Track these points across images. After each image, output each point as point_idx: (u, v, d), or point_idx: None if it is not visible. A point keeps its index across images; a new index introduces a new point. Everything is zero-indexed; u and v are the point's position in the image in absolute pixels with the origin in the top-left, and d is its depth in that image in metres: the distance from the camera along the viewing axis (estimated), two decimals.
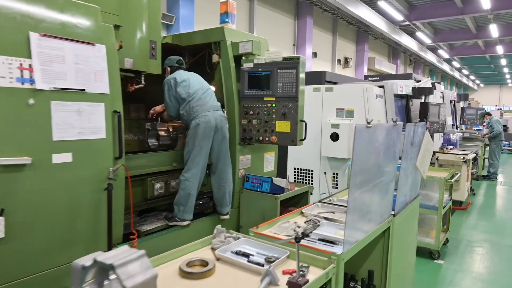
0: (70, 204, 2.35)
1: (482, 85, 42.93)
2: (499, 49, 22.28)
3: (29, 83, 2.12)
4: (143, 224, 3.21)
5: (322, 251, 1.82)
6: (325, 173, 5.24)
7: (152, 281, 1.17)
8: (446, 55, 25.19)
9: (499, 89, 41.84)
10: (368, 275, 2.44)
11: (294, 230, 2.21)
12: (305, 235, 1.49)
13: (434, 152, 6.86)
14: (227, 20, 4.02)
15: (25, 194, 2.13)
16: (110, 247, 2.53)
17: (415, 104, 6.66)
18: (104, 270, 1.21)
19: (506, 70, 31.52)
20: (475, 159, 7.60)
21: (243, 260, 1.76)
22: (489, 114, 10.43)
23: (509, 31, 18.29)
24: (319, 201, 2.87)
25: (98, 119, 2.48)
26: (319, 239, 2.09)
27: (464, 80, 35.54)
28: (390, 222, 2.44)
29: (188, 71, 3.54)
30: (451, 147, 7.64)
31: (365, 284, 2.40)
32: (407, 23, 16.65)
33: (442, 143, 7.40)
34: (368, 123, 1.86)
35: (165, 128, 3.80)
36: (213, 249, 1.93)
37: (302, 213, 2.62)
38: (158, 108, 3.53)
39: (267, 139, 3.57)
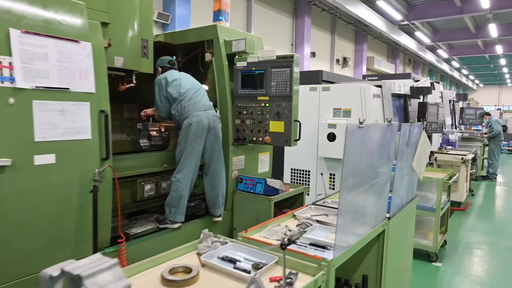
0: (54, 206, 2.27)
1: (481, 85, 42.87)
2: (499, 49, 22.21)
3: (9, 81, 2.04)
4: (132, 226, 3.13)
5: (312, 257, 1.74)
6: (321, 174, 5.16)
7: None
8: (445, 55, 25.12)
9: (498, 89, 41.77)
10: (362, 280, 2.36)
11: (285, 234, 2.13)
12: (291, 241, 1.41)
13: (433, 153, 6.78)
14: (220, 18, 3.95)
15: (5, 197, 2.05)
16: (95, 250, 2.45)
17: (414, 104, 6.58)
18: (75, 279, 1.13)
19: (505, 70, 31.44)
20: (474, 159, 7.52)
21: (229, 267, 1.68)
22: (488, 114, 10.35)
23: (509, 31, 18.23)
24: (313, 203, 2.79)
25: (83, 119, 2.40)
26: (310, 244, 2.01)
27: (464, 80, 35.48)
28: (385, 225, 2.37)
29: (180, 71, 3.47)
30: (450, 147, 7.57)
31: None
32: (406, 22, 16.58)
33: (440, 143, 7.33)
34: (361, 123, 1.78)
35: (157, 129, 3.72)
36: (199, 254, 1.85)
37: (294, 215, 2.54)
38: (149, 111, 3.45)
39: (260, 139, 3.50)
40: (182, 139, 3.00)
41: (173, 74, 3.18)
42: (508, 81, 38.69)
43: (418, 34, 19.15)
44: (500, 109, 22.59)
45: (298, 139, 3.44)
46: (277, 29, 12.38)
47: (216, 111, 3.26)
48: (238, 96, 3.60)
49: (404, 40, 18.74)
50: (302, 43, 13.01)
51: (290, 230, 2.19)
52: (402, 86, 6.24)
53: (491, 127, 9.67)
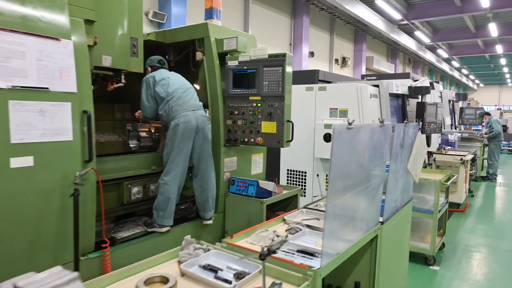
0: (33, 211, 2.18)
1: (481, 85, 42.73)
2: (499, 49, 22.08)
3: None
4: (120, 230, 3.04)
5: (298, 266, 1.64)
6: (317, 175, 5.07)
7: None
8: (445, 55, 25.00)
9: (499, 89, 41.63)
10: (354, 287, 2.27)
11: (273, 240, 2.04)
12: (270, 251, 1.32)
13: (431, 153, 6.68)
14: (212, 16, 3.86)
15: None
16: (76, 256, 2.36)
17: (412, 104, 6.48)
18: None
19: (506, 69, 31.31)
20: (473, 160, 7.42)
21: (210, 276, 1.59)
22: (488, 114, 10.25)
23: (509, 30, 18.11)
24: (304, 207, 2.70)
25: (64, 119, 2.30)
26: (297, 251, 1.92)
27: (464, 80, 35.35)
28: (378, 230, 2.27)
29: (172, 70, 3.38)
30: (449, 147, 7.46)
31: None
32: (405, 22, 16.47)
33: (439, 144, 7.22)
34: (350, 123, 1.68)
35: (147, 129, 3.63)
36: (180, 262, 1.75)
37: (284, 220, 2.45)
38: None
39: (252, 140, 3.40)
40: (169, 140, 2.91)
41: (161, 73, 3.09)
42: (509, 81, 38.55)
43: (417, 33, 19.04)
44: (500, 109, 22.47)
45: (291, 140, 3.34)
46: (275, 28, 12.29)
47: (206, 112, 3.16)
48: (229, 96, 3.51)
49: (404, 39, 18.63)
50: (300, 42, 12.91)
51: (278, 236, 2.10)
52: (400, 86, 6.14)
53: (491, 127, 9.57)
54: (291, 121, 3.30)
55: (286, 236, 2.07)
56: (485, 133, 9.69)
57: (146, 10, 7.74)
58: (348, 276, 2.36)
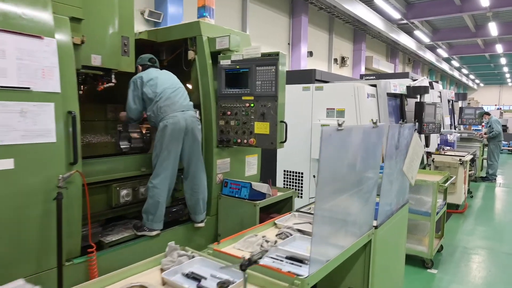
0: (14, 215, 2.11)
1: (482, 85, 42.63)
2: (499, 48, 21.98)
3: None
4: (108, 234, 2.96)
5: (285, 274, 1.57)
6: (314, 176, 4.98)
7: None
8: (445, 54, 24.91)
9: (499, 89, 41.53)
10: None
11: (261, 246, 1.96)
12: (252, 261, 1.24)
13: (430, 153, 6.60)
14: (205, 14, 3.78)
15: None
16: (60, 262, 2.28)
17: (411, 103, 6.40)
18: None
19: (506, 69, 31.21)
20: (472, 160, 7.34)
21: (192, 285, 1.51)
22: (488, 113, 10.16)
23: (509, 30, 18.02)
24: (297, 210, 2.62)
25: (47, 120, 2.23)
26: (286, 257, 1.84)
27: (464, 79, 35.25)
28: (372, 235, 2.20)
29: (162, 69, 3.31)
30: (448, 148, 7.38)
31: None
32: (404, 21, 16.39)
33: (438, 144, 7.14)
34: (339, 125, 1.61)
35: (138, 130, 3.56)
36: (162, 270, 1.68)
37: (275, 224, 2.37)
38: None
39: (245, 141, 3.32)
40: (158, 142, 2.83)
41: (149, 73, 3.01)
42: (509, 80, 38.45)
43: (417, 33, 18.95)
44: (500, 108, 22.38)
45: (285, 141, 3.27)
46: (273, 28, 12.20)
47: (196, 112, 3.07)
48: (222, 96, 3.43)
49: (403, 39, 18.54)
50: (299, 42, 12.82)
51: (267, 241, 2.02)
52: (398, 86, 6.06)
53: (490, 127, 9.48)
54: (284, 122, 3.23)
55: (275, 242, 1.99)
56: (485, 133, 9.60)
57: (142, 9, 7.66)
58: (341, 282, 2.29)
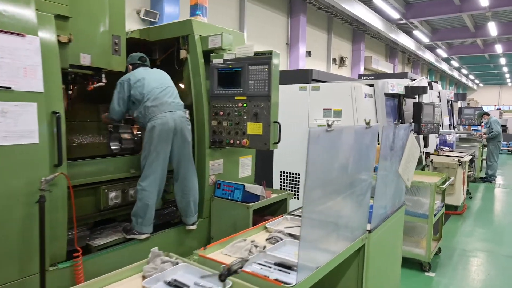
0: None
1: (481, 85, 42.56)
2: (498, 48, 21.93)
3: None
4: (97, 237, 2.89)
5: (271, 282, 1.49)
6: None
7: None
8: (444, 54, 24.85)
9: (498, 89, 41.47)
10: None
11: (250, 251, 1.89)
12: (231, 271, 1.17)
13: (429, 154, 6.53)
14: (198, 12, 3.71)
15: None
16: (43, 267, 2.20)
17: (410, 104, 6.33)
18: None
19: (505, 69, 31.15)
20: (471, 161, 7.26)
21: None
22: (487, 114, 10.08)
23: (508, 30, 17.96)
24: (288, 213, 2.55)
25: (29, 121, 2.15)
26: (275, 264, 1.76)
27: (464, 79, 35.19)
28: (365, 239, 2.12)
29: (153, 68, 3.24)
30: (447, 148, 7.31)
31: None
32: (404, 21, 16.33)
33: (437, 145, 7.07)
34: (329, 125, 1.53)
35: (129, 131, 3.48)
36: (144, 277, 1.60)
37: (266, 228, 2.30)
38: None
39: (238, 142, 3.25)
40: (146, 143, 2.76)
41: (137, 74, 2.94)
42: (508, 80, 38.39)
43: (416, 33, 18.89)
44: (500, 109, 22.29)
45: (278, 142, 3.19)
46: (271, 28, 12.14)
47: (185, 112, 3.00)
48: (214, 95, 3.36)
49: (403, 39, 18.48)
50: (297, 42, 12.76)
51: (256, 246, 1.95)
52: (396, 86, 5.99)
53: (490, 127, 9.40)
54: (278, 122, 3.15)
55: (264, 247, 1.92)
56: (484, 134, 9.53)
57: (137, 9, 7.59)
58: (334, 287, 2.21)
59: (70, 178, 2.42)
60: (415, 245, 4.06)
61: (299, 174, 5.30)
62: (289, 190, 5.19)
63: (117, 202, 2.92)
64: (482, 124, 10.41)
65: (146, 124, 2.78)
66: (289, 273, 1.68)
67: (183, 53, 3.43)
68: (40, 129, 2.20)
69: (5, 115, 2.04)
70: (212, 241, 3.49)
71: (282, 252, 1.90)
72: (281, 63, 13.02)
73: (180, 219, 3.27)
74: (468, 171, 6.90)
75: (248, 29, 10.78)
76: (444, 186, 4.06)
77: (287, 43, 12.95)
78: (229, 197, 3.32)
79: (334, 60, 16.04)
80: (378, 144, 2.21)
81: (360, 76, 9.67)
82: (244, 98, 3.20)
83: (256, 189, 3.32)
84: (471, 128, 12.09)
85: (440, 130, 7.07)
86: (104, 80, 3.16)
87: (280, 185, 5.37)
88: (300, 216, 2.52)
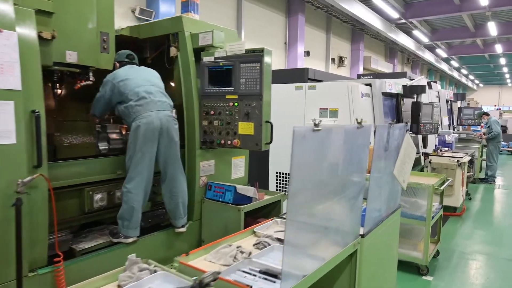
0: None
1: (481, 85, 42.47)
2: (498, 48, 21.82)
3: None
4: (82, 241, 2.79)
5: None
6: None
7: None
8: (444, 54, 24.76)
9: (498, 89, 41.37)
10: None
11: (235, 257, 1.79)
12: (202, 285, 1.07)
13: (427, 155, 6.43)
14: (188, 9, 3.61)
15: None
16: (19, 274, 2.10)
17: (408, 103, 6.23)
18: None
19: (505, 69, 31.05)
20: (471, 161, 7.16)
21: None
22: (486, 114, 9.97)
23: (508, 29, 17.87)
24: (278, 217, 2.45)
25: (6, 120, 2.06)
26: (260, 271, 1.67)
27: (464, 80, 35.09)
28: (358, 244, 2.02)
29: (142, 66, 3.14)
30: (446, 149, 7.21)
31: None
32: (403, 21, 16.24)
33: (436, 145, 6.97)
34: (316, 124, 1.43)
35: (117, 131, 3.38)
36: (119, 286, 1.50)
37: (254, 232, 2.20)
38: None
39: (229, 142, 3.15)
40: (131, 144, 2.66)
41: (122, 73, 2.84)
42: (508, 81, 38.29)
43: (416, 32, 18.80)
44: (500, 109, 22.18)
45: (270, 142, 3.09)
46: (269, 27, 12.04)
47: (172, 111, 2.89)
48: (205, 94, 3.26)
49: (402, 39, 18.39)
50: (295, 41, 12.66)
51: (242, 252, 1.85)
52: (394, 85, 5.89)
53: (489, 127, 9.30)
54: (270, 122, 3.05)
55: (250, 253, 1.82)
56: (484, 134, 9.43)
57: (133, 7, 7.49)
58: None
59: (52, 180, 2.33)
60: (413, 248, 3.96)
61: None
62: (285, 191, 5.08)
63: (103, 205, 2.83)
64: (482, 124, 10.31)
65: (131, 124, 2.68)
66: (274, 281, 1.59)
67: (173, 51, 3.34)
68: (18, 128, 2.11)
69: None
70: (203, 244, 3.39)
71: (269, 259, 1.80)
72: (279, 62, 12.92)
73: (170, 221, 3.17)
74: (468, 172, 6.80)
75: (245, 29, 10.69)
76: (442, 188, 3.96)
77: (285, 43, 12.85)
78: (220, 199, 3.22)
79: (333, 60, 15.95)
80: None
81: (358, 76, 9.58)
82: (236, 97, 3.11)
83: (248, 190, 3.22)
84: (471, 129, 11.99)
85: (439, 130, 6.98)
86: (92, 78, 3.08)
87: (276, 186, 5.27)
88: None
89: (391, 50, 21.51)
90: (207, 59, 3.22)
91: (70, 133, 3.79)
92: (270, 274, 1.63)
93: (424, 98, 6.33)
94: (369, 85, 5.51)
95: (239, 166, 3.74)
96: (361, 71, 17.18)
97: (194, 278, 1.11)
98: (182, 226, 3.07)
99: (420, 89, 6.10)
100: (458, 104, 11.96)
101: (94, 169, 2.77)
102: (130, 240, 2.75)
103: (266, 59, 2.98)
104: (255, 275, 1.64)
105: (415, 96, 6.04)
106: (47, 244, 2.35)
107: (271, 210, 3.53)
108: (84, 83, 3.15)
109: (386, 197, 2.47)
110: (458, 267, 4.18)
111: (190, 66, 3.27)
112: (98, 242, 2.77)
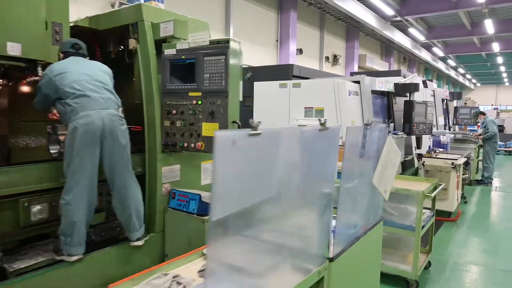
0: None
1: (478, 84, 42.24)
2: (495, 47, 21.51)
3: None
4: (19, 259, 2.44)
5: None
6: None
7: None
8: (441, 53, 24.46)
9: (496, 88, 41.14)
10: None
11: None
12: None
13: (421, 156, 6.09)
14: None
15: None
16: None
17: (401, 103, 5.88)
18: None
19: (502, 68, 30.80)
20: (466, 163, 6.82)
21: None
22: (483, 113, 9.64)
23: (505, 27, 17.58)
24: None
25: None
26: None
27: (461, 79, 34.82)
28: (324, 270, 1.68)
29: (109, 62, 2.80)
30: (441, 150, 6.87)
31: None
32: (398, 18, 15.92)
33: (429, 146, 6.64)
34: (253, 127, 1.09)
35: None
36: None
37: (203, 254, 1.85)
38: None
39: (192, 145, 2.81)
40: (67, 148, 2.30)
41: (60, 65, 2.47)
42: (506, 80, 38.06)
43: (412, 30, 18.49)
44: (497, 108, 21.91)
45: None
46: (260, 24, 11.68)
47: (118, 110, 2.51)
48: (166, 91, 2.92)
49: (398, 37, 18.06)
50: (287, 39, 12.32)
51: (179, 283, 1.50)
52: (385, 83, 5.56)
53: (486, 127, 8.97)
54: (237, 122, 2.71)
55: (185, 286, 1.47)
56: (480, 134, 9.10)
57: (112, 1, 7.12)
58: None
59: None
60: (402, 261, 3.62)
61: None
62: None
63: (43, 217, 2.47)
64: (479, 124, 9.98)
65: (68, 125, 2.32)
66: None
67: (132, 43, 3.00)
68: None
69: None
70: (167, 259, 3.05)
71: None
72: (270, 61, 12.52)
73: None
74: (463, 174, 6.47)
75: (234, 26, 10.33)
76: (433, 195, 3.62)
77: (277, 40, 12.51)
78: (184, 209, 2.88)
79: (327, 58, 15.60)
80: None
81: (351, 74, 9.24)
82: (199, 94, 2.77)
83: None
84: (467, 128, 11.69)
85: (434, 130, 6.65)
86: (40, 73, 2.73)
87: None
88: None
89: (387, 48, 21.18)
90: (168, 51, 2.88)
91: (28, 134, 3.45)
92: None
93: (419, 96, 5.98)
94: (358, 82, 5.19)
95: (209, 171, 3.39)
96: (356, 69, 16.85)
97: None
98: (138, 239, 2.71)
99: (413, 87, 5.74)
100: (454, 103, 11.65)
101: (31, 176, 2.41)
102: (73, 258, 2.40)
103: (233, 51, 2.64)
104: None
105: (408, 94, 5.70)
106: None
107: None
108: (32, 78, 2.82)
109: (364, 210, 2.13)
110: (450, 280, 3.84)
111: (151, 60, 2.93)
112: (38, 260, 2.42)
